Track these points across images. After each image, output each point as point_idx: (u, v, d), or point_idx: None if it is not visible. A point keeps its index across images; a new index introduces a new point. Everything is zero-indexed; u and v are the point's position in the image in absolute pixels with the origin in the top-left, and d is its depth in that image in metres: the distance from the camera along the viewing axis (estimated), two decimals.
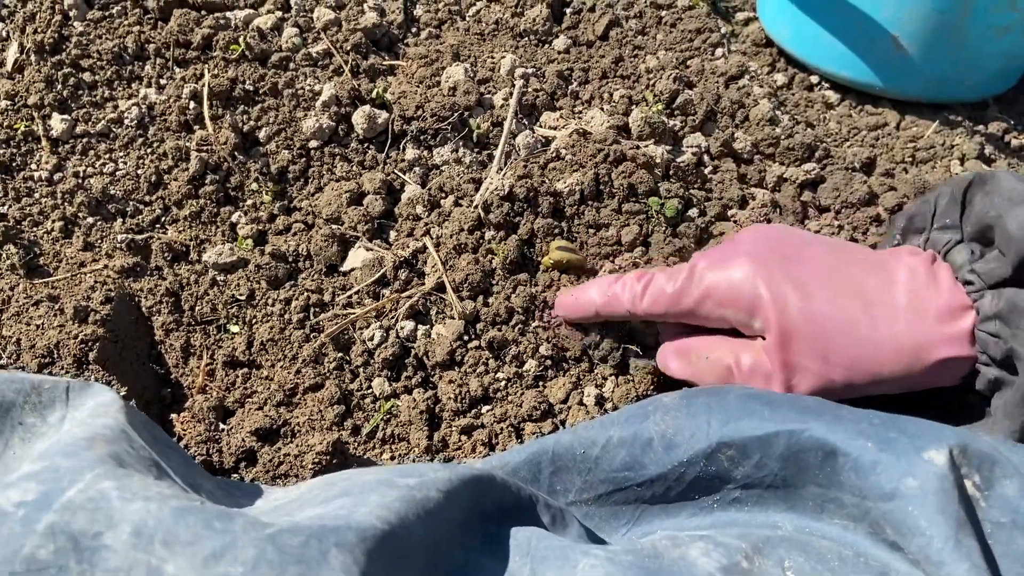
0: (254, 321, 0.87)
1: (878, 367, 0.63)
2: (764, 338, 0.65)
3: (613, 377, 0.83)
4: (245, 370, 0.85)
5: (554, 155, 0.97)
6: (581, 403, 0.82)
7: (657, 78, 1.06)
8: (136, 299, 0.91)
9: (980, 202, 0.62)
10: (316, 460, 0.77)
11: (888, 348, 0.60)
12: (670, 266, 0.83)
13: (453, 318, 0.87)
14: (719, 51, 1.16)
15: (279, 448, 0.82)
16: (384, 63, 1.04)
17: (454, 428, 0.82)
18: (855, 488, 0.53)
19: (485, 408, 0.83)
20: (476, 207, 0.91)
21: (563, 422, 0.81)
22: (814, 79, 1.21)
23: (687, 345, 0.76)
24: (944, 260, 0.64)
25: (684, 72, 1.08)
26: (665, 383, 0.82)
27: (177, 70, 0.99)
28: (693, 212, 0.95)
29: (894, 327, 0.60)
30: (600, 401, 0.82)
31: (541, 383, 0.84)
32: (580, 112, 1.04)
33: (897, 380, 0.61)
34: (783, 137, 1.04)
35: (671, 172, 0.98)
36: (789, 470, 0.57)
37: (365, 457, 0.82)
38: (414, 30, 1.16)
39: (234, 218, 0.93)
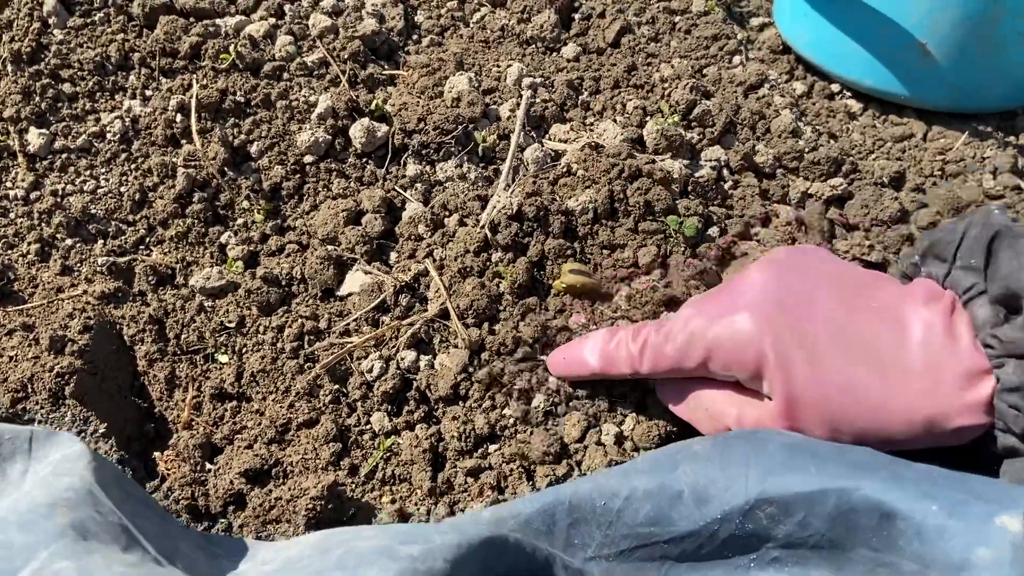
0: (244, 350, 0.81)
1: (889, 435, 0.58)
2: (770, 399, 0.61)
3: (633, 414, 0.77)
4: (234, 403, 0.80)
5: (565, 170, 0.91)
6: (599, 442, 0.75)
7: (673, 87, 1.00)
8: (117, 327, 0.85)
9: (1007, 262, 0.57)
10: (310, 506, 0.71)
11: (901, 417, 0.56)
12: (671, 303, 0.77)
13: (457, 347, 0.80)
14: (736, 59, 1.11)
15: (270, 491, 0.76)
16: (384, 73, 0.98)
17: (459, 469, 0.76)
18: (917, 555, 0.47)
19: (492, 447, 0.77)
20: (482, 227, 0.85)
21: (579, 464, 0.75)
22: (835, 87, 1.15)
23: (688, 387, 0.69)
24: (964, 308, 0.58)
25: (701, 81, 1.03)
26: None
27: (163, 81, 0.93)
28: (713, 231, 0.90)
29: (908, 395, 0.56)
30: (620, 440, 0.75)
31: (552, 420, 0.78)
32: (592, 124, 0.98)
33: (906, 443, 0.58)
34: (807, 150, 0.98)
35: (689, 188, 0.92)
36: (837, 531, 0.51)
37: (363, 500, 0.76)
38: (415, 37, 1.10)
39: (223, 239, 0.87)
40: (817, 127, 1.06)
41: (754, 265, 0.68)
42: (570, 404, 0.79)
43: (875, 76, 1.09)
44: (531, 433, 0.76)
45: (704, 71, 1.08)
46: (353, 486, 0.77)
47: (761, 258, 0.71)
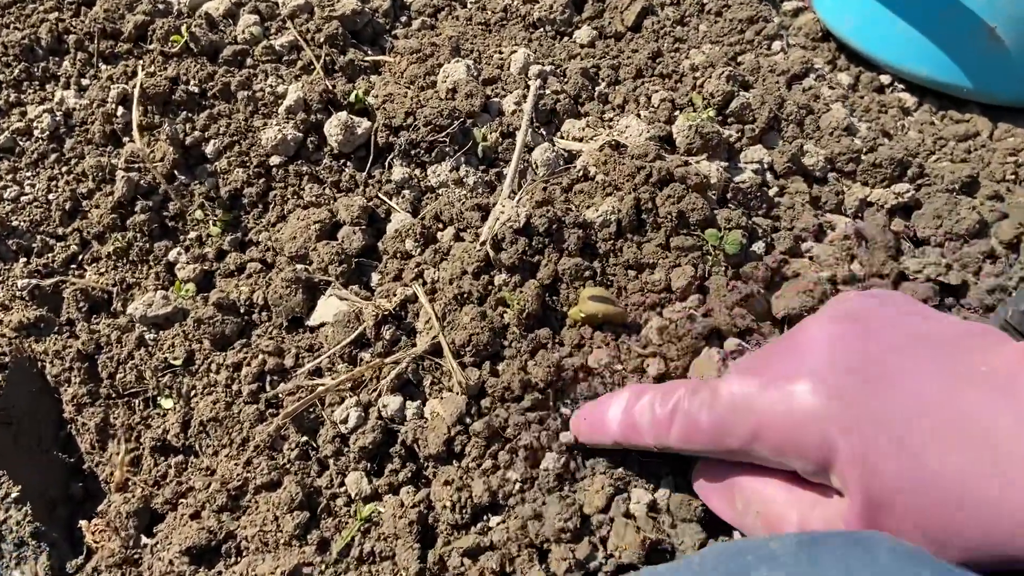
0: (193, 394, 0.71)
1: (1009, 550, 0.43)
2: (841, 495, 0.49)
3: (670, 477, 0.62)
4: (179, 459, 0.71)
5: (581, 174, 0.77)
6: (627, 514, 0.61)
7: (705, 77, 0.86)
8: (39, 365, 0.72)
9: None
10: None
11: None
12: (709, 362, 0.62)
13: (452, 392, 0.66)
14: (776, 44, 0.96)
15: (219, 575, 0.61)
16: (366, 59, 0.85)
17: (454, 548, 0.61)
18: None
19: (495, 520, 0.62)
20: (483, 243, 0.71)
21: (604, 541, 0.60)
22: (885, 79, 1.01)
23: (734, 483, 0.56)
24: None
25: (737, 70, 0.88)
26: None
27: (103, 67, 0.81)
28: (758, 246, 0.75)
29: None
30: (653, 509, 0.61)
31: (569, 484, 0.63)
32: (611, 120, 0.84)
33: None
34: (865, 150, 0.84)
35: (729, 195, 0.78)
36: None
37: None
38: (404, 19, 0.96)
39: (171, 256, 0.75)
40: (868, 124, 0.91)
41: (817, 317, 0.54)
42: (589, 465, 0.64)
43: (933, 65, 0.97)
44: (543, 503, 0.61)
45: (739, 58, 0.94)
46: (323, 567, 0.63)
47: (825, 308, 0.56)
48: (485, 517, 0.63)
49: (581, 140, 0.83)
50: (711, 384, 0.53)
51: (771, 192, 0.82)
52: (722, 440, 0.51)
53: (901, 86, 1.01)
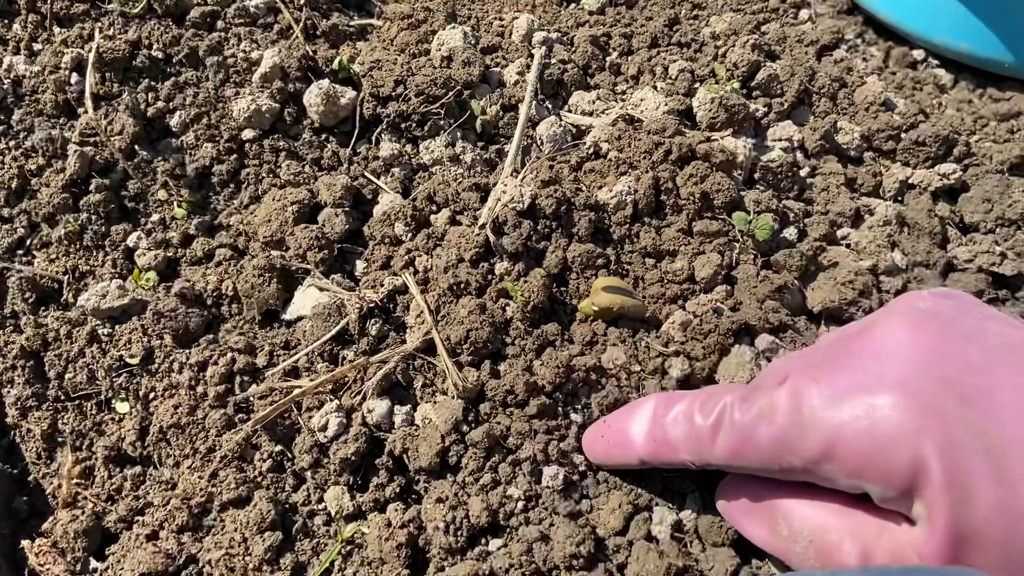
0: (152, 396, 0.66)
1: None
2: (913, 523, 0.43)
3: (696, 493, 0.54)
4: (136, 470, 0.65)
5: (591, 151, 0.70)
6: (649, 536, 0.53)
7: (728, 46, 0.78)
8: None
9: None
10: None
11: None
12: (746, 376, 0.55)
13: (447, 395, 0.58)
14: (804, 12, 0.88)
15: None
16: (352, 24, 0.80)
17: (449, 575, 0.53)
18: None
19: (495, 543, 0.54)
20: (482, 226, 0.63)
21: (622, 569, 0.52)
22: (917, 54, 0.94)
23: (776, 505, 0.48)
24: None
25: (762, 39, 0.79)
26: None
27: (56, 30, 0.74)
28: (790, 232, 0.68)
29: None
30: (679, 531, 0.53)
31: (581, 500, 0.55)
32: (624, 92, 0.76)
33: None
34: (905, 127, 0.75)
35: (757, 175, 0.70)
36: None
37: None
38: None
39: (131, 241, 0.69)
40: (905, 100, 0.83)
41: (891, 316, 0.46)
42: (603, 479, 0.56)
43: (972, 39, 0.91)
44: (551, 524, 0.53)
45: (763, 28, 0.86)
46: None
47: (896, 306, 0.48)
48: (484, 540, 0.56)
49: (591, 114, 0.74)
50: (768, 392, 0.45)
51: (802, 172, 0.74)
52: (783, 458, 0.44)
53: (935, 62, 0.94)
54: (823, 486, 0.45)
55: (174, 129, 0.72)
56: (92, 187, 0.69)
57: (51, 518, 0.60)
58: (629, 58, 0.80)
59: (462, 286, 0.62)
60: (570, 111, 0.75)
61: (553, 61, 0.78)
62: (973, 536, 0.40)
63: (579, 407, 0.59)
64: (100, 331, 0.65)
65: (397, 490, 0.58)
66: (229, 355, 0.63)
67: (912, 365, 0.42)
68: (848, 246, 0.70)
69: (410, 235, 0.67)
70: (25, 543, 0.60)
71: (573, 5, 0.89)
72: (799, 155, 0.75)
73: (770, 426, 0.44)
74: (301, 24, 0.76)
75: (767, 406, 0.44)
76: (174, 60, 0.73)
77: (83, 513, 0.59)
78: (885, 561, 0.43)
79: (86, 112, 0.70)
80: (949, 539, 0.40)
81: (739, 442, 0.45)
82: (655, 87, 0.76)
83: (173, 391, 0.62)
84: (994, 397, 0.41)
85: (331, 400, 0.60)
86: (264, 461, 0.59)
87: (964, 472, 0.39)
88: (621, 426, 0.52)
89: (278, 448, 0.60)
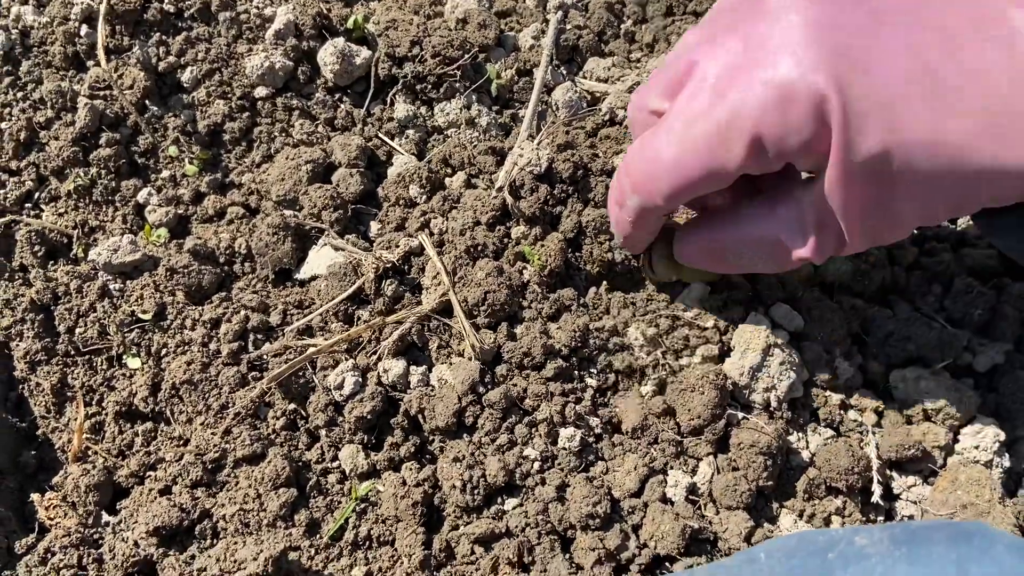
0: (164, 352, 0.65)
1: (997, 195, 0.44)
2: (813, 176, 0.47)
3: (711, 457, 0.54)
4: (147, 426, 0.64)
5: (607, 118, 0.69)
6: (664, 498, 0.53)
7: None
8: None
9: None
10: None
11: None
12: None
13: (463, 356, 0.58)
14: None
15: (191, 559, 0.55)
16: None
17: (464, 534, 0.53)
18: None
19: (511, 503, 0.54)
20: (499, 189, 0.62)
21: (636, 529, 0.53)
22: None
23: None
24: None
25: None
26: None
27: None
28: None
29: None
30: (693, 492, 0.53)
31: (596, 462, 0.55)
32: (639, 60, 0.75)
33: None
34: None
35: None
36: None
37: (327, 574, 0.53)
38: None
39: (141, 197, 0.68)
40: None
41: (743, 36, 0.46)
42: (618, 442, 0.56)
43: None
44: (568, 486, 0.54)
45: None
46: (312, 552, 0.55)
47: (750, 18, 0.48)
48: (500, 499, 0.56)
49: (606, 81, 0.74)
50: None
51: None
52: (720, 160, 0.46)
53: None
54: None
55: (185, 85, 0.70)
56: (102, 141, 0.68)
57: (61, 472, 0.60)
58: (643, 26, 0.79)
59: (479, 248, 0.62)
60: (585, 77, 0.75)
61: (568, 27, 0.77)
62: (863, 171, 0.43)
63: (595, 372, 0.59)
64: (111, 286, 0.64)
65: (412, 449, 0.58)
66: (242, 313, 0.62)
67: (795, 32, 0.43)
68: None
69: (425, 197, 0.66)
70: (35, 497, 0.60)
71: None
72: None
73: (708, 123, 0.45)
74: None
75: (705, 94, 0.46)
76: (186, 15, 0.72)
77: (94, 468, 0.59)
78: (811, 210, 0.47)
79: (96, 65, 0.69)
80: (843, 170, 0.43)
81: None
82: None
83: (186, 347, 0.62)
84: (881, 57, 0.43)
85: (346, 359, 0.60)
86: (278, 419, 0.59)
87: (856, 112, 0.42)
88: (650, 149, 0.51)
89: (291, 406, 0.59)
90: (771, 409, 0.57)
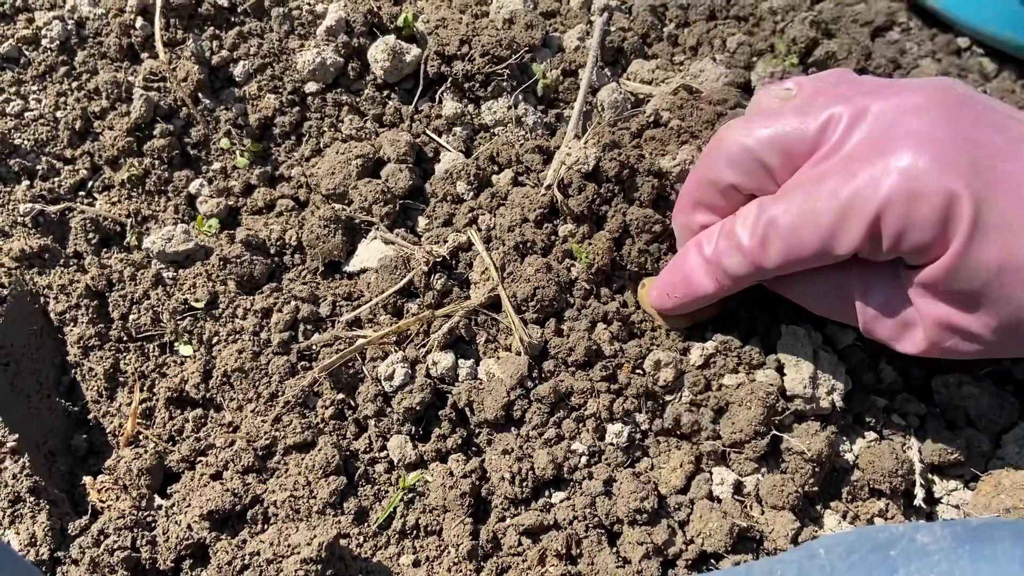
0: (215, 340, 0.65)
1: None
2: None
3: (759, 459, 0.55)
4: (198, 412, 0.64)
5: (651, 119, 0.70)
6: (711, 496, 0.54)
7: (786, 22, 0.78)
8: (41, 300, 0.64)
9: None
10: (300, 573, 0.49)
11: None
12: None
13: (512, 351, 0.59)
14: None
15: (243, 543, 0.55)
16: None
17: (511, 525, 0.54)
18: None
19: (558, 496, 0.55)
20: (548, 187, 0.62)
21: (683, 525, 0.53)
22: (962, 42, 0.94)
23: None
24: None
25: (820, 16, 0.80)
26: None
27: None
28: None
29: None
30: (739, 490, 0.54)
31: (642, 459, 0.56)
32: (682, 63, 0.76)
33: None
34: None
35: None
36: None
37: (375, 562, 0.55)
38: None
39: (193, 187, 0.68)
40: None
41: (931, 92, 0.49)
42: (663, 439, 0.57)
43: (1017, 28, 0.88)
44: (615, 481, 0.54)
45: (817, 6, 0.86)
46: (360, 539, 0.56)
47: (898, 92, 0.50)
48: (547, 492, 0.56)
49: (650, 83, 0.75)
50: (796, 193, 0.50)
51: None
52: (831, 243, 0.48)
53: (980, 51, 0.93)
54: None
55: (237, 79, 0.71)
56: (156, 132, 0.69)
57: (113, 456, 0.61)
58: (686, 30, 0.80)
59: (527, 245, 0.62)
60: (629, 79, 0.75)
61: (612, 28, 0.78)
62: (972, 275, 0.45)
63: (641, 370, 0.60)
64: (164, 274, 0.65)
65: (459, 441, 0.59)
66: (293, 303, 0.63)
67: (944, 146, 0.45)
68: None
69: (472, 194, 0.67)
70: (87, 479, 0.61)
71: None
72: None
73: (815, 227, 0.48)
74: None
75: (802, 200, 0.48)
76: (239, 9, 0.73)
77: (146, 451, 0.60)
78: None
79: (152, 57, 0.70)
80: (950, 275, 0.45)
81: (788, 247, 0.50)
82: (714, 59, 0.76)
83: (237, 336, 0.63)
84: (1009, 182, 0.45)
85: (395, 352, 0.61)
86: (327, 408, 0.60)
87: (983, 223, 0.44)
88: (679, 278, 0.56)
89: (341, 396, 0.60)
90: (836, 408, 0.57)
